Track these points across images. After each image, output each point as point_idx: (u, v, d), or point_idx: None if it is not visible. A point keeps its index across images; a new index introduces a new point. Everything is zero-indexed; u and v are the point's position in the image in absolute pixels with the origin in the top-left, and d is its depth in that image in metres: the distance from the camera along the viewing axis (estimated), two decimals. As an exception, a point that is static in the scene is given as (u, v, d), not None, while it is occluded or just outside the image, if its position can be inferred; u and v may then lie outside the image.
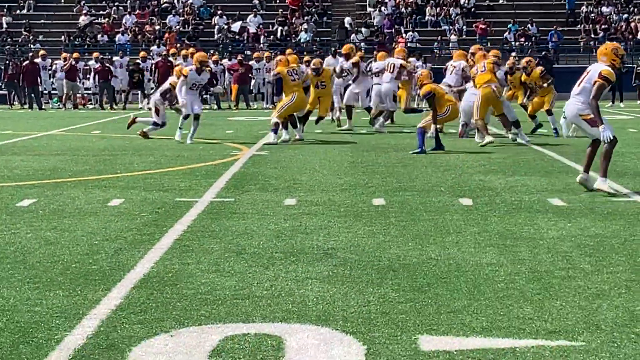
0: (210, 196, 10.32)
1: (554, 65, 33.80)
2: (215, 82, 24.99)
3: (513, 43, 39.82)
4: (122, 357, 4.70)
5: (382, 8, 42.81)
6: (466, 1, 43.39)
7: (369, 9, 43.37)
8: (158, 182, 11.59)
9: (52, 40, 41.24)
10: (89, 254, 7.18)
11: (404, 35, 40.36)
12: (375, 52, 24.81)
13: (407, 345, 4.85)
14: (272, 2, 44.61)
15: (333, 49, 32.44)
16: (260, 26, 41.77)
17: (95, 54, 33.16)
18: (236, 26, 41.69)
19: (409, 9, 43.01)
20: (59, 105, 32.87)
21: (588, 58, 36.97)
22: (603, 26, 41.13)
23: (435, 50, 39.83)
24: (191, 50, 31.40)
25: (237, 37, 41.50)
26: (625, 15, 42.06)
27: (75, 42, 40.89)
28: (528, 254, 7.12)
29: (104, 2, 44.64)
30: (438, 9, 43.06)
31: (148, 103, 23.85)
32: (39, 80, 32.11)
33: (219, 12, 42.77)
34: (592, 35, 40.73)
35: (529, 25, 41.09)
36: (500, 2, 44.19)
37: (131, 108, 31.32)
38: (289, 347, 4.85)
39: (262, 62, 32.08)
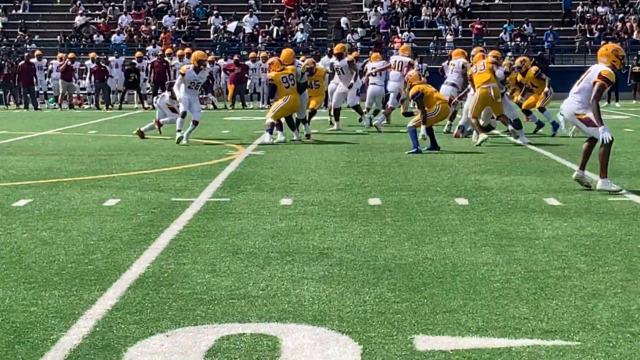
0: (206, 196, 10.32)
1: (549, 65, 33.82)
2: (211, 82, 24.94)
3: (509, 43, 39.83)
4: (117, 357, 4.70)
5: (378, 8, 42.81)
6: (462, 1, 43.39)
7: (365, 9, 43.36)
8: (154, 182, 11.59)
9: (48, 40, 41.19)
10: (85, 254, 7.18)
11: (399, 35, 40.37)
12: (370, 52, 24.82)
13: (403, 345, 4.85)
14: (268, 2, 44.60)
15: (329, 48, 32.43)
16: (257, 26, 41.75)
17: (92, 54, 33.13)
18: (232, 26, 41.68)
19: (405, 9, 43.01)
20: (55, 105, 32.84)
21: (584, 58, 37.05)
22: (599, 26, 41.18)
23: (431, 50, 39.87)
24: (187, 50, 31.40)
25: (233, 37, 41.49)
26: (621, 15, 42.09)
27: (71, 42, 40.86)
28: (524, 254, 7.13)
29: (99, 2, 44.57)
30: (434, 8, 43.06)
31: (151, 104, 23.79)
32: (34, 80, 32.07)
33: (215, 12, 42.76)
34: (588, 35, 40.78)
35: (525, 25, 41.10)
36: (496, 2, 44.20)
37: (127, 108, 31.34)
38: (285, 347, 4.85)
39: (258, 62, 32.12)
